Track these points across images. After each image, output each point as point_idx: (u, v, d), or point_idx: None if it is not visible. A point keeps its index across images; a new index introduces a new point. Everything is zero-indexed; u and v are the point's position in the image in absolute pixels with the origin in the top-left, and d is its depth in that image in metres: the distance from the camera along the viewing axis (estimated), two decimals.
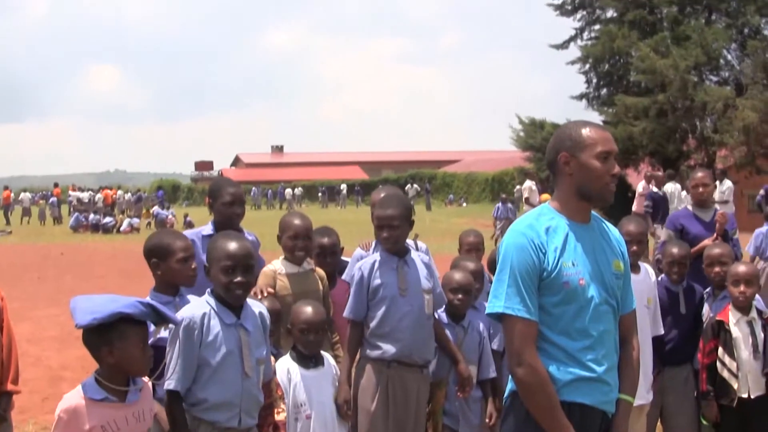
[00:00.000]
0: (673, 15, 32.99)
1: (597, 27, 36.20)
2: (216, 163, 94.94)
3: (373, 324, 4.89)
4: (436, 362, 5.18)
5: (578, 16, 36.50)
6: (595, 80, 36.44)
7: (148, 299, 3.65)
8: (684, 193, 17.46)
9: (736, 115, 28.34)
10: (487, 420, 5.27)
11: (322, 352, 4.92)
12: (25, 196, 46.59)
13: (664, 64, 30.23)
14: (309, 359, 4.75)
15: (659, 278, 5.89)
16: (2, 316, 4.57)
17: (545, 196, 19.50)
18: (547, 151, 3.45)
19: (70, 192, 51.26)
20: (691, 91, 30.42)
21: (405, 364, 4.87)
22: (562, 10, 36.32)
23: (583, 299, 3.26)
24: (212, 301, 3.95)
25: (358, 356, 5.02)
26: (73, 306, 3.48)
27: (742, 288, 5.41)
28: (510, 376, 3.33)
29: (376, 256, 5.01)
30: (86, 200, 45.46)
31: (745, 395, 5.37)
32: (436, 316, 5.17)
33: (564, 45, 36.87)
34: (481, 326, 5.40)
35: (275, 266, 5.22)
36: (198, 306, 3.96)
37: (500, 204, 26.15)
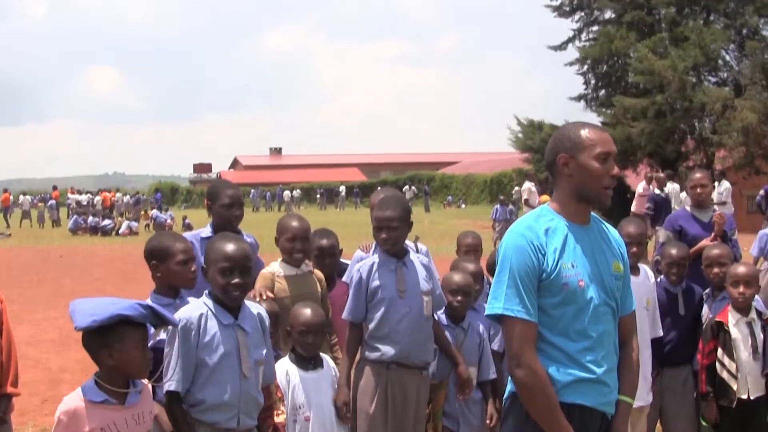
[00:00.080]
0: (671, 16, 33.01)
1: (595, 28, 36.24)
2: (214, 166, 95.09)
3: (371, 326, 4.89)
4: (437, 364, 5.18)
5: (576, 17, 36.55)
6: (593, 81, 36.47)
7: (147, 301, 3.65)
8: (683, 194, 17.45)
9: (735, 115, 28.36)
10: (487, 421, 5.27)
11: (322, 354, 4.92)
12: (25, 199, 46.56)
13: (663, 65, 30.24)
14: (308, 361, 4.75)
15: (658, 279, 5.89)
16: (1, 318, 4.57)
17: (544, 197, 19.49)
18: (546, 153, 3.45)
19: (69, 195, 51.21)
20: (689, 91, 30.44)
21: (404, 366, 4.87)
22: (560, 12, 36.34)
23: (582, 300, 3.26)
24: (209, 302, 3.95)
25: (357, 358, 5.02)
26: (72, 309, 3.48)
27: (741, 289, 5.41)
28: (509, 378, 3.34)
29: (375, 258, 5.00)
30: (85, 203, 45.43)
31: (744, 396, 5.37)
32: (436, 318, 5.17)
33: (562, 46, 36.90)
34: (481, 328, 5.40)
35: (273, 268, 5.22)
36: (195, 307, 3.96)
37: (498, 206, 26.16)
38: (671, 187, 19.30)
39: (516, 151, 40.82)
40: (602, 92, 36.24)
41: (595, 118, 33.77)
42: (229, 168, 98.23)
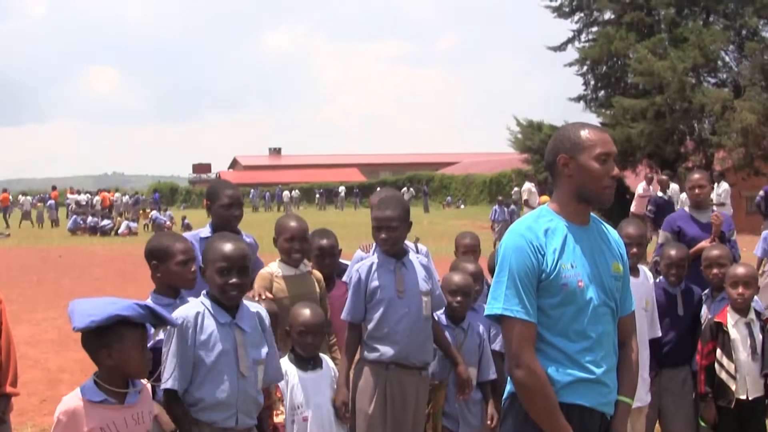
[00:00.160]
0: (670, 17, 32.99)
1: (595, 29, 36.21)
2: (214, 166, 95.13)
3: (370, 326, 4.89)
4: (437, 364, 5.19)
5: (576, 17, 36.53)
6: (592, 82, 36.45)
7: (145, 302, 3.65)
8: (683, 195, 17.45)
9: (734, 116, 28.35)
10: (488, 422, 5.27)
11: (322, 354, 4.92)
12: (26, 199, 46.53)
13: (662, 66, 30.23)
14: (307, 361, 4.75)
15: (657, 280, 5.89)
16: (0, 318, 4.57)
17: (544, 198, 19.50)
18: (546, 153, 3.45)
19: (68, 195, 51.21)
20: (689, 92, 30.42)
21: (403, 366, 4.87)
22: (560, 12, 36.32)
23: (581, 301, 3.26)
24: (207, 302, 3.96)
25: (356, 358, 5.02)
26: (71, 309, 3.48)
27: (740, 290, 5.41)
28: (509, 378, 3.34)
29: (374, 258, 5.01)
30: (84, 203, 45.43)
31: (743, 396, 5.37)
32: (436, 318, 5.17)
33: (562, 47, 36.87)
34: (481, 328, 5.40)
35: (272, 269, 5.22)
36: (192, 306, 3.96)
37: (497, 206, 26.16)
38: (671, 187, 19.29)
39: (515, 151, 40.81)
40: (602, 93, 36.22)
41: (594, 119, 33.78)
42: (229, 168, 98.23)
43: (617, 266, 3.42)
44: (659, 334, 5.59)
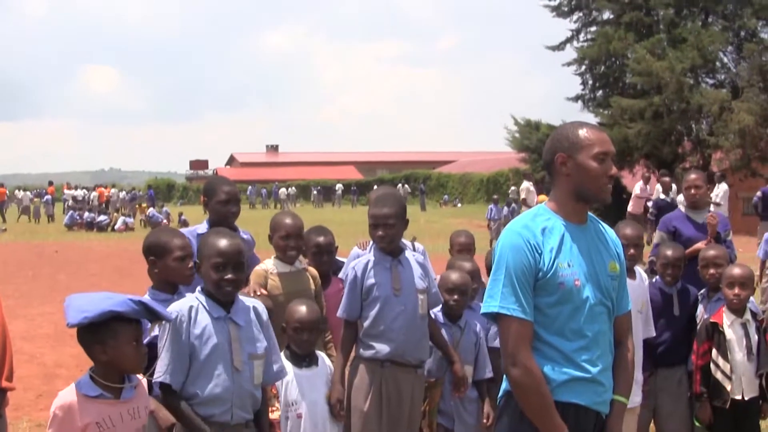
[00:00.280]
0: (669, 17, 32.99)
1: (593, 29, 36.19)
2: (211, 162, 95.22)
3: (366, 324, 4.89)
4: (433, 362, 5.19)
5: (574, 17, 36.52)
6: (590, 82, 36.45)
7: (140, 297, 3.64)
8: (680, 196, 17.47)
9: (732, 117, 28.35)
10: (484, 420, 5.27)
11: (318, 352, 4.92)
12: (25, 194, 46.49)
13: (660, 67, 30.23)
14: (302, 358, 4.75)
15: (654, 280, 5.90)
16: None
17: (542, 197, 19.53)
18: (544, 152, 3.46)
19: (65, 191, 51.18)
20: (686, 93, 30.42)
21: (398, 364, 4.87)
22: (559, 12, 36.32)
23: (578, 300, 3.26)
24: (201, 297, 3.96)
25: (351, 356, 5.02)
26: (66, 304, 3.48)
27: (736, 290, 5.42)
28: (504, 376, 3.34)
29: (370, 256, 5.01)
30: (81, 198, 45.41)
31: (738, 397, 5.38)
32: (432, 316, 5.17)
33: (560, 46, 36.87)
34: (478, 326, 5.40)
35: (267, 266, 5.22)
36: (186, 301, 3.96)
37: (493, 205, 26.16)
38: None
39: (513, 150, 40.82)
40: (600, 93, 36.22)
41: (592, 119, 33.74)
42: (226, 165, 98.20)
43: (614, 265, 3.42)
44: (653, 333, 5.59)
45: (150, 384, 3.88)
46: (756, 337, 5.46)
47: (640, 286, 5.42)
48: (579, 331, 3.26)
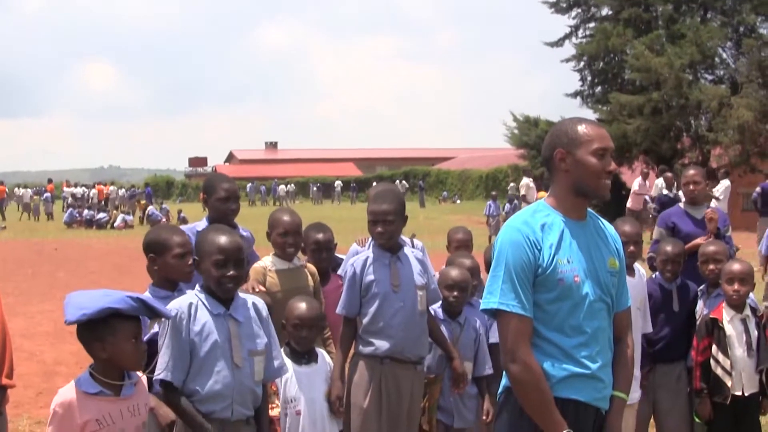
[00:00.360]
0: (668, 13, 32.97)
1: (592, 25, 36.16)
2: (210, 159, 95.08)
3: (365, 320, 4.90)
4: (433, 358, 5.19)
5: (573, 13, 36.47)
6: (589, 78, 36.42)
7: (138, 294, 3.64)
8: (680, 192, 17.45)
9: (731, 113, 28.33)
10: (484, 417, 5.28)
11: (319, 349, 4.92)
12: (26, 192, 46.48)
13: (659, 63, 30.21)
14: (302, 355, 4.75)
15: (653, 275, 5.90)
16: None
17: (542, 193, 19.53)
18: (543, 148, 3.45)
19: (64, 188, 51.17)
20: (685, 89, 30.41)
21: (398, 361, 4.88)
22: (557, 8, 36.27)
23: (577, 296, 3.26)
24: (201, 294, 3.96)
25: (351, 353, 5.02)
26: (66, 302, 3.49)
27: (736, 286, 5.41)
28: (504, 373, 3.34)
29: (369, 253, 5.01)
30: (80, 196, 45.41)
31: (738, 393, 5.38)
32: (432, 313, 5.17)
33: (559, 42, 36.84)
34: (478, 323, 5.41)
35: (265, 263, 5.21)
36: (186, 298, 3.96)
37: (491, 202, 26.14)
38: (663, 183, 19.28)
39: (511, 147, 40.79)
40: (598, 89, 36.18)
41: (591, 115, 33.75)
42: (225, 162, 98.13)
43: (613, 262, 3.42)
44: (650, 329, 5.59)
45: (150, 381, 3.88)
46: (756, 332, 5.46)
47: (639, 284, 5.42)
48: (578, 328, 3.26)
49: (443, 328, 5.22)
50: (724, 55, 33.57)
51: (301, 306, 4.70)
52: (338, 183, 65.86)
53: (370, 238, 5.30)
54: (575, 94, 36.64)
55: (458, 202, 58.35)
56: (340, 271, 5.59)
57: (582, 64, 36.01)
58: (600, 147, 3.29)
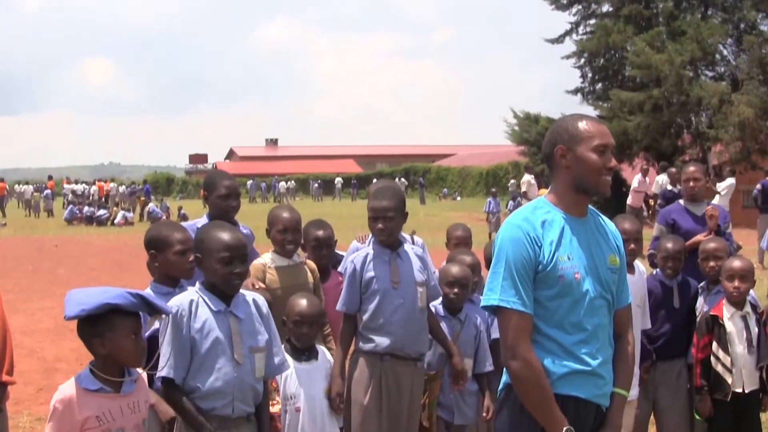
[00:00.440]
0: (668, 10, 32.93)
1: (592, 21, 36.08)
2: (210, 156, 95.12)
3: (365, 317, 4.90)
4: (434, 355, 5.19)
5: (573, 10, 36.39)
6: (590, 75, 36.36)
7: (137, 290, 3.64)
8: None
9: (732, 110, 28.30)
10: (484, 414, 5.28)
11: (320, 346, 4.92)
12: (27, 188, 46.46)
13: (660, 59, 30.18)
14: (302, 352, 4.75)
15: (654, 272, 5.90)
16: None
17: (543, 190, 19.52)
18: (544, 145, 3.45)
19: (65, 185, 51.18)
20: (686, 86, 30.36)
21: (398, 357, 4.88)
22: (558, 4, 36.21)
23: (578, 293, 3.26)
24: (201, 290, 3.95)
25: (351, 349, 5.02)
26: (66, 298, 3.49)
27: (736, 283, 5.41)
28: (504, 369, 3.34)
29: (369, 249, 5.01)
30: (80, 193, 45.40)
31: (739, 390, 5.38)
32: (433, 310, 5.17)
33: (559, 39, 36.76)
34: (478, 319, 5.40)
35: (265, 260, 5.21)
36: (186, 295, 3.96)
37: (491, 198, 26.13)
38: (663, 179, 19.29)
39: (512, 144, 40.75)
40: (599, 86, 36.12)
41: (591, 112, 33.66)
42: (225, 159, 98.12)
43: (614, 258, 3.42)
44: (650, 325, 5.60)
45: (150, 377, 3.88)
46: (756, 329, 5.46)
47: (639, 281, 5.42)
48: (579, 325, 3.26)
49: (444, 325, 5.22)
50: (725, 52, 33.54)
51: (302, 302, 4.70)
52: (338, 180, 65.87)
53: (370, 235, 5.30)
54: (576, 91, 36.60)
55: (458, 198, 58.34)
56: (340, 268, 5.58)
57: (582, 60, 35.96)
58: (601, 143, 3.29)
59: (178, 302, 3.89)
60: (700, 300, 5.86)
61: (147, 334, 4.05)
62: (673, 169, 18.91)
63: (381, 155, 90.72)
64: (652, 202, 20.94)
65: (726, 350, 5.41)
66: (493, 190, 29.11)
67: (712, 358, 5.44)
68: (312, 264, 5.37)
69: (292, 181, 66.35)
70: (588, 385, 3.27)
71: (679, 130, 32.84)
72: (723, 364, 5.40)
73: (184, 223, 5.23)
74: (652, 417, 5.91)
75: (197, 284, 4.02)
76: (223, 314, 3.92)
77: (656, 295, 5.71)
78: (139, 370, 3.67)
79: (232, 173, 5.92)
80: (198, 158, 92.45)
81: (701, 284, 5.91)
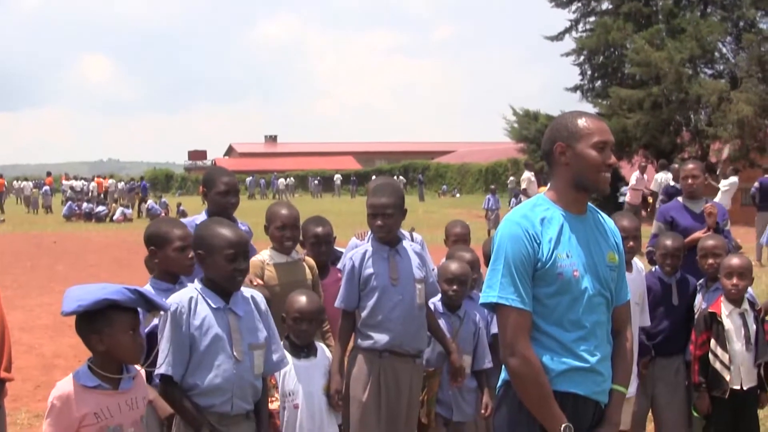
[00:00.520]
0: (668, 7, 32.94)
1: (592, 19, 36.11)
2: (209, 153, 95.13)
3: (364, 314, 4.89)
4: (432, 352, 5.19)
5: (573, 7, 36.41)
6: (589, 72, 36.39)
7: (135, 286, 3.63)
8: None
9: (731, 108, 28.31)
10: (483, 410, 5.28)
11: (319, 343, 4.92)
12: (26, 185, 46.42)
13: (659, 57, 30.19)
14: (301, 349, 4.75)
15: (653, 269, 5.90)
16: None
17: (543, 188, 19.53)
18: (543, 142, 3.45)
19: (63, 181, 51.15)
20: (685, 83, 30.39)
21: (397, 354, 4.87)
22: (557, 2, 36.21)
23: (576, 291, 3.26)
24: (200, 287, 3.94)
25: (350, 346, 5.02)
26: (65, 295, 3.48)
27: (734, 280, 5.41)
28: (503, 366, 3.34)
29: (368, 246, 5.00)
30: (79, 189, 45.38)
31: (737, 387, 5.39)
32: (432, 306, 5.17)
33: (559, 37, 36.79)
34: (477, 316, 5.40)
35: (263, 256, 5.21)
36: (185, 292, 3.95)
37: (490, 195, 26.14)
38: (663, 176, 19.31)
39: (511, 141, 40.79)
40: (598, 83, 36.15)
41: (590, 109, 33.63)
42: (224, 155, 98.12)
43: (612, 256, 3.42)
44: (649, 322, 5.60)
45: (149, 374, 3.88)
46: (754, 326, 5.46)
47: (637, 279, 5.42)
48: (577, 322, 3.26)
49: (443, 322, 5.22)
50: (724, 50, 33.56)
51: (302, 299, 4.70)
52: (338, 176, 65.86)
53: (369, 232, 5.30)
54: (575, 89, 36.63)
55: (457, 195, 58.36)
56: (339, 265, 5.58)
57: (582, 58, 35.98)
58: (600, 140, 3.29)
59: (177, 299, 3.88)
60: (699, 297, 5.86)
61: (146, 330, 4.05)
62: (677, 166, 18.92)
63: (380, 152, 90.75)
64: (650, 199, 20.94)
65: (724, 347, 5.41)
66: (492, 187, 29.13)
67: (711, 355, 5.44)
68: (311, 261, 5.37)
69: (291, 178, 66.35)
70: (587, 382, 3.27)
71: (678, 127, 32.88)
72: (721, 362, 5.41)
73: (182, 220, 5.23)
74: (650, 414, 5.91)
75: (196, 281, 4.01)
76: (223, 311, 3.91)
77: (655, 292, 5.72)
78: (138, 366, 3.66)
79: (231, 170, 5.92)
80: (197, 155, 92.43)
81: (700, 281, 5.92)
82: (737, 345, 5.41)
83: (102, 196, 42.18)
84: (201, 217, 5.38)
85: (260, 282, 4.96)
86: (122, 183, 48.51)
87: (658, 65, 30.19)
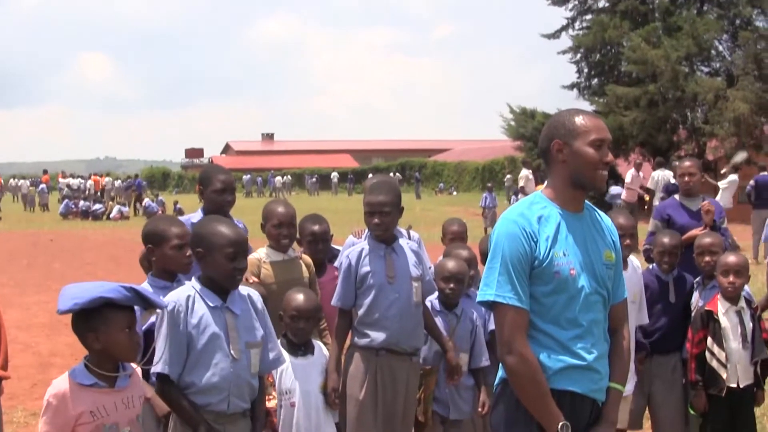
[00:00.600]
0: (665, 5, 32.94)
1: (589, 17, 36.09)
2: (206, 151, 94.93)
3: (361, 312, 4.89)
4: (429, 350, 5.19)
5: (570, 5, 36.39)
6: (586, 70, 36.38)
7: (131, 284, 3.62)
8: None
9: (727, 106, 28.35)
10: (479, 409, 5.28)
11: (317, 341, 4.92)
12: (24, 183, 46.36)
13: (656, 55, 30.21)
14: (298, 347, 4.75)
15: (650, 267, 5.90)
16: None
17: (540, 186, 19.56)
18: (540, 140, 3.44)
19: (60, 179, 51.10)
20: (682, 81, 30.41)
21: (393, 352, 4.88)
22: (554, 0, 36.24)
23: (573, 289, 3.26)
24: (197, 285, 3.94)
25: (346, 344, 5.02)
26: (61, 293, 3.48)
27: (731, 278, 5.41)
28: (500, 364, 3.34)
29: (365, 244, 5.00)
30: (76, 187, 45.34)
31: (733, 385, 5.39)
32: (429, 305, 5.17)
33: (555, 34, 36.78)
34: (474, 314, 5.40)
35: (260, 254, 5.21)
36: (183, 290, 3.95)
37: (487, 193, 26.13)
38: (660, 174, 19.31)
39: (508, 139, 40.77)
40: (595, 81, 36.14)
41: (587, 107, 33.64)
42: (221, 153, 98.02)
43: (609, 254, 3.42)
44: (647, 320, 5.60)
45: (146, 372, 3.87)
46: (751, 324, 5.47)
47: (633, 277, 5.41)
48: (574, 320, 3.26)
49: (440, 320, 5.22)
50: (721, 48, 33.60)
51: (299, 297, 4.70)
52: (335, 174, 65.85)
53: (366, 230, 5.30)
54: (572, 86, 36.61)
55: (454, 193, 58.34)
56: (336, 263, 5.58)
57: (579, 56, 35.96)
58: (597, 138, 3.29)
59: (174, 298, 3.87)
60: (696, 295, 5.86)
61: (144, 327, 4.04)
62: (677, 162, 18.94)
63: (377, 150, 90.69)
64: (647, 197, 20.95)
65: (721, 345, 5.41)
66: (489, 185, 29.11)
67: (707, 353, 5.44)
68: (307, 259, 5.36)
69: (288, 176, 66.32)
70: (584, 379, 3.27)
71: (675, 125, 32.90)
72: (718, 359, 5.41)
73: (179, 218, 5.23)
74: (647, 411, 5.91)
75: (193, 279, 4.00)
76: (220, 310, 3.90)
77: (652, 290, 5.72)
78: (134, 365, 3.66)
79: (228, 168, 5.92)
80: (194, 153, 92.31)
81: (697, 279, 5.92)
82: (734, 343, 5.41)
83: (99, 194, 42.16)
84: (197, 215, 5.38)
85: (256, 280, 4.96)
86: (119, 181, 48.47)
87: (655, 63, 30.21)
